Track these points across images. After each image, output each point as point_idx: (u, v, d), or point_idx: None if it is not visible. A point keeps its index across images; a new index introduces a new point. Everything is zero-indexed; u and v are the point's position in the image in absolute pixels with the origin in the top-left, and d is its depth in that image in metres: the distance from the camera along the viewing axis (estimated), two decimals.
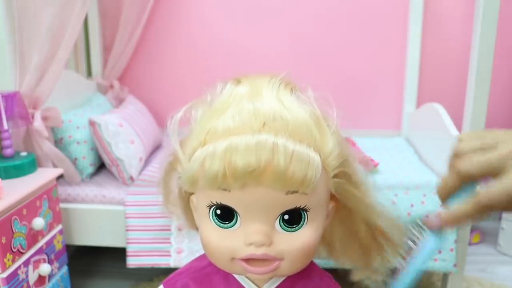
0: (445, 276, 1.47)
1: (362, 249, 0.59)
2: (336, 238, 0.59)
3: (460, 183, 0.44)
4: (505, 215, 1.89)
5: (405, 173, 1.57)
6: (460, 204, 0.43)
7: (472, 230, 1.89)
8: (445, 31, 2.07)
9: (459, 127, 1.46)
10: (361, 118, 2.19)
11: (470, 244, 1.94)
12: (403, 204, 1.39)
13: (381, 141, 2.02)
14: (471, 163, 0.42)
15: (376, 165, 1.57)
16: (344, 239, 0.58)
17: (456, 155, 0.44)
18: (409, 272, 0.49)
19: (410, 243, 0.51)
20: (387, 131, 2.20)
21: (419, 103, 2.08)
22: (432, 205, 1.38)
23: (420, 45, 2.04)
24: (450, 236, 1.37)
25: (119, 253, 1.62)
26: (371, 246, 0.59)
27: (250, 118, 0.46)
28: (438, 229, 0.47)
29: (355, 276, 0.61)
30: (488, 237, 2.01)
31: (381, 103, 2.18)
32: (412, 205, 1.39)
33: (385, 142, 2.00)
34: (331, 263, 0.63)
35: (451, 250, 1.38)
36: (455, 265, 1.39)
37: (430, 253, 0.48)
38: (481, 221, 0.44)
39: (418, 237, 0.50)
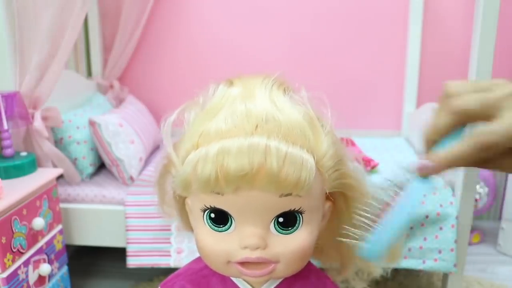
0: (445, 276, 1.47)
1: (347, 249, 0.59)
2: (320, 237, 0.58)
3: (453, 123, 0.40)
4: (505, 215, 1.89)
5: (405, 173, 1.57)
6: (456, 144, 0.39)
7: (472, 230, 1.89)
8: (445, 31, 2.07)
9: None
10: (361, 118, 2.18)
11: (470, 244, 1.94)
12: None
13: (381, 141, 2.02)
14: (469, 100, 0.38)
15: (376, 165, 1.57)
16: (328, 238, 0.58)
17: (448, 95, 0.40)
18: (395, 218, 0.43)
19: (390, 194, 0.45)
20: (387, 131, 2.20)
21: (419, 103, 2.08)
22: (432, 205, 1.38)
23: (420, 45, 2.04)
24: (450, 236, 1.37)
25: (119, 253, 1.62)
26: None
27: (242, 120, 0.46)
28: (427, 174, 0.42)
29: (337, 277, 0.60)
30: (488, 237, 2.01)
31: (381, 103, 2.18)
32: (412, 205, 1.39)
33: (385, 142, 2.00)
34: (332, 265, 0.63)
35: (451, 250, 1.38)
36: (455, 265, 1.39)
37: (418, 197, 0.43)
38: (475, 168, 0.39)
39: (401, 188, 0.44)
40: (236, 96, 0.49)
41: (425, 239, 1.39)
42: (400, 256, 0.59)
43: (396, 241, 0.44)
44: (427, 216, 1.38)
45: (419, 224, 1.39)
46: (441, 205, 1.38)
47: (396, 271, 1.66)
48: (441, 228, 1.38)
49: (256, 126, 0.45)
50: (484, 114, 0.37)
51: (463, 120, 0.39)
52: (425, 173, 0.43)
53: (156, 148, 1.97)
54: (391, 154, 1.81)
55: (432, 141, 0.42)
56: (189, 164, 0.46)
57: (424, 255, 1.39)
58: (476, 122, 0.38)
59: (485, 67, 1.27)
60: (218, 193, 0.45)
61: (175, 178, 0.50)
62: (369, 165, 1.55)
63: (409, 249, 1.39)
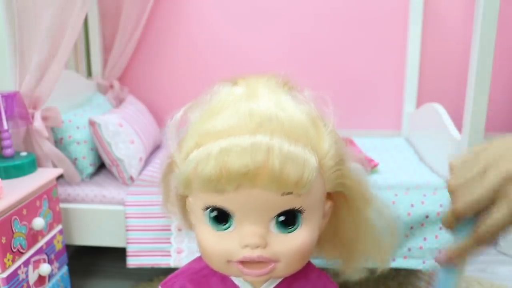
0: None
1: (345, 247, 0.59)
2: (320, 235, 0.59)
3: (460, 220, 0.45)
4: None
5: (405, 173, 1.57)
6: (461, 241, 0.45)
7: None
8: (445, 31, 2.07)
9: (459, 127, 1.46)
10: (361, 118, 2.18)
11: None
12: (403, 204, 1.39)
13: (381, 141, 2.02)
14: (463, 205, 0.43)
15: (376, 165, 1.57)
16: (327, 235, 0.58)
17: (450, 192, 0.46)
18: None
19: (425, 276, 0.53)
20: (387, 131, 2.20)
21: (419, 103, 2.08)
22: (432, 205, 1.38)
23: (420, 45, 2.04)
24: (450, 236, 1.37)
25: (119, 253, 1.62)
26: (355, 245, 0.58)
27: (245, 119, 0.46)
28: (447, 266, 0.48)
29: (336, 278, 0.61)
30: None
31: (381, 103, 2.18)
32: (412, 205, 1.39)
33: (385, 142, 2.00)
34: (329, 263, 0.63)
35: None
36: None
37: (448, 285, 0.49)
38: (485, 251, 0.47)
39: (431, 273, 0.52)
40: (240, 95, 0.49)
41: (425, 239, 1.39)
42: (389, 262, 0.62)
43: None
44: (427, 216, 1.38)
45: (419, 224, 1.39)
46: (441, 205, 1.38)
47: (396, 271, 1.66)
48: (441, 228, 1.38)
49: (259, 125, 0.45)
50: (483, 208, 0.43)
51: (467, 217, 0.45)
52: (446, 265, 0.48)
53: (156, 148, 1.97)
54: (391, 154, 1.81)
55: (450, 227, 0.48)
56: (191, 163, 0.46)
57: (424, 255, 1.39)
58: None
59: (485, 67, 1.27)
60: (220, 192, 0.45)
61: (177, 176, 0.50)
62: (369, 165, 1.55)
63: (409, 249, 1.39)
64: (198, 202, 0.49)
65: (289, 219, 0.47)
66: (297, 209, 0.47)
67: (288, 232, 0.48)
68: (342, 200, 0.54)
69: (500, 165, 0.41)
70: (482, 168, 0.42)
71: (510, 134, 0.45)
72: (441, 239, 1.38)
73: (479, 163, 0.43)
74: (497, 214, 0.41)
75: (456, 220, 0.46)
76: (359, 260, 0.60)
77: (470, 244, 0.44)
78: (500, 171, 0.41)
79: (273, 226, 0.47)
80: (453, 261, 0.47)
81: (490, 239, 0.43)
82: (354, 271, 0.61)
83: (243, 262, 0.47)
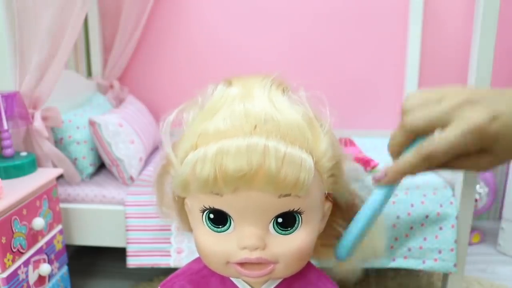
0: (445, 276, 1.47)
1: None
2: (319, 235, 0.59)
3: (408, 138, 0.44)
4: (505, 215, 1.89)
5: None
6: (404, 156, 0.44)
7: (472, 230, 1.89)
8: (445, 31, 2.07)
9: None
10: (361, 118, 2.18)
11: (470, 244, 1.94)
12: (403, 204, 1.39)
13: (381, 141, 2.02)
14: (416, 118, 0.43)
15: (376, 165, 1.57)
16: (326, 236, 0.58)
17: (404, 112, 0.45)
18: (357, 224, 0.49)
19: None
20: (387, 131, 2.19)
21: None
22: (432, 205, 1.38)
23: (420, 45, 2.04)
24: (450, 236, 1.37)
25: (119, 253, 1.62)
26: None
27: (241, 120, 0.46)
28: (385, 183, 0.48)
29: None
30: (488, 237, 2.01)
31: (381, 103, 2.18)
32: (412, 205, 1.39)
33: (385, 142, 1.98)
34: (330, 264, 0.63)
35: (451, 250, 1.38)
36: (455, 265, 1.39)
37: (377, 207, 0.48)
38: (423, 172, 0.45)
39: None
40: (235, 96, 0.49)
41: (425, 239, 1.39)
42: (382, 252, 0.61)
43: (359, 241, 0.50)
44: (427, 216, 1.38)
45: (419, 224, 1.39)
46: (441, 205, 1.38)
47: (396, 271, 1.66)
48: (441, 228, 1.38)
49: (255, 126, 0.45)
50: (432, 128, 0.42)
51: (415, 135, 0.44)
52: (381, 183, 0.48)
53: (156, 148, 1.97)
54: None
55: (396, 153, 0.47)
56: (188, 165, 0.46)
57: (424, 255, 1.39)
58: (428, 134, 0.43)
59: (485, 67, 1.27)
60: (217, 194, 0.45)
61: (174, 178, 0.50)
62: (369, 165, 1.55)
63: (409, 249, 1.39)
64: (196, 204, 0.48)
65: (287, 221, 0.47)
66: (295, 211, 0.47)
67: (287, 234, 0.47)
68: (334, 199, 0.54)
69: (460, 94, 0.41)
70: (441, 95, 0.42)
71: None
72: (441, 239, 1.38)
73: (440, 92, 0.43)
74: (446, 133, 0.40)
75: (403, 141, 0.45)
76: (351, 259, 0.60)
77: (410, 160, 0.43)
78: (460, 97, 0.41)
79: (272, 228, 0.47)
80: (391, 178, 0.46)
81: (431, 157, 0.41)
82: (348, 272, 0.61)
83: (242, 264, 0.47)
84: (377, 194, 0.48)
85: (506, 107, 0.39)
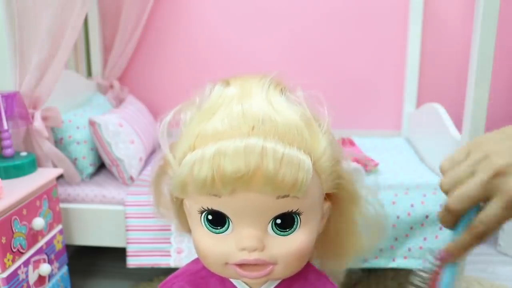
0: None
1: (329, 245, 0.59)
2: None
3: (456, 216, 0.45)
4: None
5: (405, 173, 1.57)
6: (459, 237, 0.46)
7: None
8: (445, 31, 2.07)
9: (459, 127, 1.46)
10: (361, 118, 2.18)
11: None
12: (403, 204, 1.39)
13: (381, 141, 2.02)
14: (456, 200, 0.43)
15: (376, 165, 1.57)
16: (325, 235, 0.58)
17: (445, 193, 0.46)
18: None
19: (427, 275, 0.53)
20: (387, 131, 2.19)
21: (419, 103, 2.08)
22: (432, 205, 1.38)
23: (420, 45, 2.04)
24: (450, 236, 1.37)
25: (119, 253, 1.61)
26: (340, 243, 0.59)
27: (239, 121, 0.45)
28: (449, 262, 0.49)
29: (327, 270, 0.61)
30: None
31: (381, 103, 2.18)
32: (412, 205, 1.39)
33: (385, 142, 2.00)
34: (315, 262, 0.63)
35: None
36: None
37: (449, 285, 0.50)
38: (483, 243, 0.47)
39: (435, 271, 0.52)
40: (233, 96, 0.49)
41: (425, 239, 1.39)
42: (366, 252, 0.63)
43: None
44: (427, 216, 1.38)
45: (419, 224, 1.39)
46: (441, 205, 1.38)
47: (396, 271, 1.66)
48: (441, 228, 1.38)
49: (253, 127, 0.45)
50: (476, 202, 0.43)
51: (463, 213, 0.45)
52: (446, 262, 0.49)
53: (156, 148, 1.97)
54: (391, 154, 1.81)
55: (450, 226, 0.48)
56: (186, 166, 0.45)
57: (424, 255, 1.39)
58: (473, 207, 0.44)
59: (485, 67, 1.27)
60: (215, 195, 0.45)
61: (172, 179, 0.50)
62: (369, 165, 1.55)
63: (409, 249, 1.39)
64: (195, 205, 0.48)
65: (286, 222, 0.47)
66: (294, 212, 0.46)
67: (286, 235, 0.47)
68: (332, 199, 0.54)
69: (490, 160, 0.41)
70: (472, 165, 0.42)
71: (498, 129, 0.46)
72: (441, 239, 1.38)
73: (469, 160, 0.43)
74: (490, 209, 0.41)
75: (454, 218, 0.46)
76: (342, 258, 0.60)
77: (467, 240, 0.44)
78: (490, 166, 0.40)
79: (270, 229, 0.47)
80: (453, 258, 0.47)
81: (485, 234, 0.43)
82: (336, 272, 0.61)
83: (241, 265, 0.47)
84: (446, 271, 0.50)
85: None
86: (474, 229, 0.43)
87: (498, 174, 0.40)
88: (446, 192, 0.45)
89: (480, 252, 1.91)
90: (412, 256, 1.40)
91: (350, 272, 1.59)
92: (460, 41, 2.04)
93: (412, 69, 2.06)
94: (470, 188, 0.42)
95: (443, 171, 0.46)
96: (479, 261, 1.82)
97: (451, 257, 0.48)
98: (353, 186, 0.54)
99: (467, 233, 0.44)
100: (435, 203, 1.38)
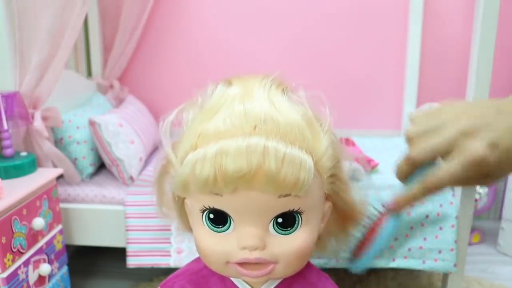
0: (445, 276, 1.47)
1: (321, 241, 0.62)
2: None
3: (413, 167, 0.48)
4: (505, 215, 1.89)
5: None
6: (410, 188, 0.48)
7: (472, 230, 1.89)
8: (445, 31, 2.07)
9: None
10: (361, 118, 2.18)
11: (470, 244, 1.94)
12: None
13: (381, 141, 2.02)
14: (419, 150, 0.45)
15: (376, 165, 1.57)
16: (325, 234, 0.60)
17: (408, 140, 0.48)
18: (370, 252, 0.55)
19: (369, 222, 0.57)
20: (387, 131, 2.19)
21: (419, 103, 2.08)
22: (432, 205, 1.38)
23: (420, 45, 2.03)
24: (450, 236, 1.37)
25: (119, 253, 1.62)
26: (336, 230, 0.61)
27: (241, 120, 0.46)
28: (395, 212, 0.52)
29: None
30: (488, 237, 2.01)
31: (381, 103, 2.18)
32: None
33: (385, 142, 2.00)
34: (330, 263, 0.64)
35: (451, 250, 1.38)
36: (455, 265, 1.39)
37: (390, 234, 0.53)
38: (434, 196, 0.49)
39: (378, 218, 0.55)
40: (235, 96, 0.49)
41: (425, 239, 1.39)
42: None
43: (373, 259, 0.58)
44: (427, 216, 1.38)
45: (419, 224, 1.39)
46: (441, 205, 1.38)
47: (396, 271, 1.66)
48: (441, 228, 1.38)
49: (255, 127, 0.45)
50: (434, 157, 0.45)
51: (420, 164, 0.47)
52: (392, 212, 0.52)
53: (156, 148, 1.97)
54: (391, 154, 1.81)
55: (403, 181, 0.51)
56: (188, 165, 0.45)
57: (424, 255, 1.39)
58: (431, 163, 0.46)
59: (485, 67, 1.27)
60: (217, 194, 0.45)
61: (174, 178, 0.50)
62: (369, 165, 1.55)
63: (409, 249, 1.39)
64: (196, 204, 0.48)
65: (287, 221, 0.47)
66: (295, 211, 0.46)
67: (287, 234, 0.47)
68: (340, 201, 0.54)
69: (459, 121, 0.42)
70: (441, 121, 0.44)
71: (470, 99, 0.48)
72: (441, 239, 1.38)
73: (440, 117, 0.44)
74: (448, 165, 0.42)
75: (410, 169, 0.48)
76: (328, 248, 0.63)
77: (417, 191, 0.46)
78: (459, 126, 0.42)
79: (271, 228, 0.47)
80: (399, 209, 0.50)
81: (435, 188, 0.44)
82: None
83: (242, 264, 0.47)
84: (389, 221, 0.53)
85: (504, 130, 0.39)
86: (427, 182, 0.45)
87: (466, 134, 0.41)
88: (409, 140, 0.47)
89: (480, 252, 1.91)
90: (412, 256, 1.40)
91: (350, 272, 1.59)
92: (460, 41, 2.04)
93: (412, 69, 2.06)
94: (436, 141, 0.43)
95: (412, 120, 0.47)
96: (479, 261, 1.82)
97: (397, 208, 0.50)
98: (352, 186, 0.54)
99: (419, 185, 0.46)
100: (435, 203, 1.38)
